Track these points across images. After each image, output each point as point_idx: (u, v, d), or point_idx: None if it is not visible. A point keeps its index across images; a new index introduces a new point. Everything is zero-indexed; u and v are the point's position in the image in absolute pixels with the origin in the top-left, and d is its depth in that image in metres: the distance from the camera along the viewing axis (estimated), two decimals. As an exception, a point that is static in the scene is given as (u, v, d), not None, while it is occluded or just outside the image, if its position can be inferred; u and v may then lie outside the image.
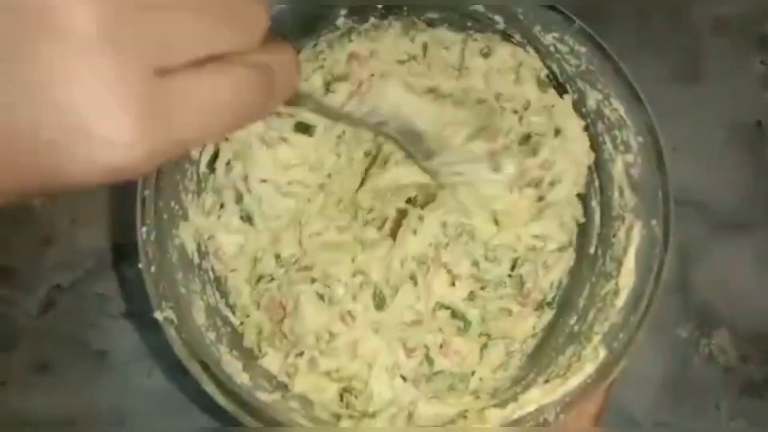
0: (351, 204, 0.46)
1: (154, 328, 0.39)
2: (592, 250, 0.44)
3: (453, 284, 0.45)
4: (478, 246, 0.45)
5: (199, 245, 0.44)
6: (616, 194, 0.43)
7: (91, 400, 0.52)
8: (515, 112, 0.46)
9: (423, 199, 0.46)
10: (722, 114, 0.59)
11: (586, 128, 0.44)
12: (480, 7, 0.44)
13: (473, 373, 0.44)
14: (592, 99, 0.43)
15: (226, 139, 0.44)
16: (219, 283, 0.45)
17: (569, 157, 0.44)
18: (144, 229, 0.39)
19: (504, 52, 0.46)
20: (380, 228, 0.45)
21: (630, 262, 0.40)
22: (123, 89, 0.18)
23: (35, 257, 0.54)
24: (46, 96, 0.18)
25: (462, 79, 0.46)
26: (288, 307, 0.44)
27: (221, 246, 0.45)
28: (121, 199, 0.48)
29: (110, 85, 0.18)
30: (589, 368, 0.38)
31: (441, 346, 0.44)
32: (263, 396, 0.40)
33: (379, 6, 0.45)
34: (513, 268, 0.45)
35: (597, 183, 0.45)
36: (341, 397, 0.44)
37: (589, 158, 0.45)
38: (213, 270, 0.45)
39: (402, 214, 0.45)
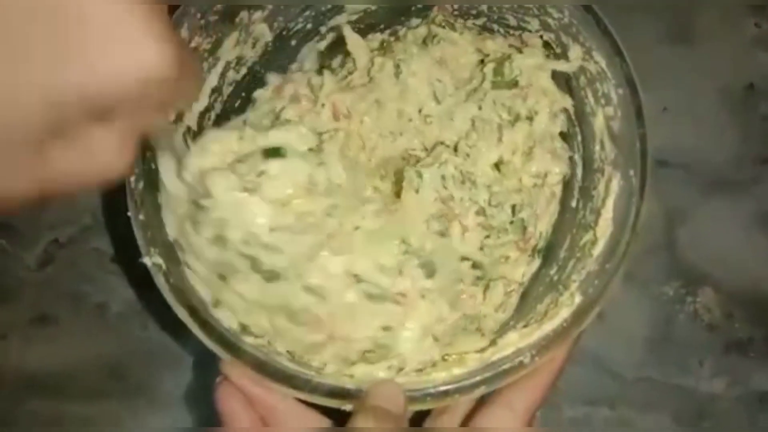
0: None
1: (149, 284, 0.39)
2: (573, 204, 0.45)
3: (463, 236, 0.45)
4: (482, 191, 0.45)
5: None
6: (597, 147, 0.43)
7: (89, 351, 0.54)
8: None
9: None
10: (715, 75, 0.59)
11: (567, 81, 0.45)
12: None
13: (484, 315, 0.44)
14: (574, 52, 0.44)
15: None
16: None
17: (542, 93, 0.45)
18: (132, 178, 0.40)
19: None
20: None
21: (608, 213, 0.41)
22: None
23: (34, 213, 0.55)
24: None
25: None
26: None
27: None
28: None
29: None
30: (564, 313, 0.39)
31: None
32: (250, 340, 0.41)
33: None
34: (513, 213, 0.46)
35: (579, 138, 0.45)
36: None
37: (564, 100, 0.45)
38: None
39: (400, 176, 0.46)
